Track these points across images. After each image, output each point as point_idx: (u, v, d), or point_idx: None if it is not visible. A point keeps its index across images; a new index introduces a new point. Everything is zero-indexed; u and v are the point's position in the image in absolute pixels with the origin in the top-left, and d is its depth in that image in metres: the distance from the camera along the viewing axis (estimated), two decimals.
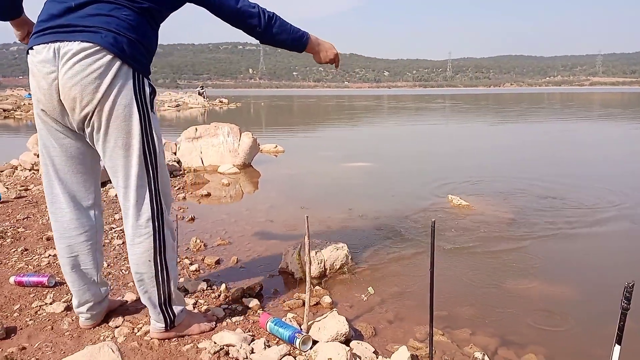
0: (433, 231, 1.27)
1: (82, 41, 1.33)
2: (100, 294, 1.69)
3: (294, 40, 1.78)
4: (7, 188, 3.87)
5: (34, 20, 1.50)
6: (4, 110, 15.87)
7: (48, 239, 2.67)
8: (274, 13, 1.70)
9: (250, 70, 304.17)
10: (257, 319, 1.78)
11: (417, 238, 2.87)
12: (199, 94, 28.77)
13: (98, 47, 1.34)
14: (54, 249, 2.47)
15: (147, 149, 1.47)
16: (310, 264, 1.71)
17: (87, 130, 1.43)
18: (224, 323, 1.76)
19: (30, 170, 4.66)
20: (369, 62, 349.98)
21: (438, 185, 4.39)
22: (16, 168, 4.80)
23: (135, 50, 1.42)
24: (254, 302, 1.92)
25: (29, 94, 16.87)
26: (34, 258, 2.39)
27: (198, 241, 2.69)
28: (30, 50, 1.40)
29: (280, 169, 5.70)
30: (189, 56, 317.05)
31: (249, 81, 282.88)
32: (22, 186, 3.98)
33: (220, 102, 27.26)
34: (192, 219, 3.29)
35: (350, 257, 2.36)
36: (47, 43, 1.35)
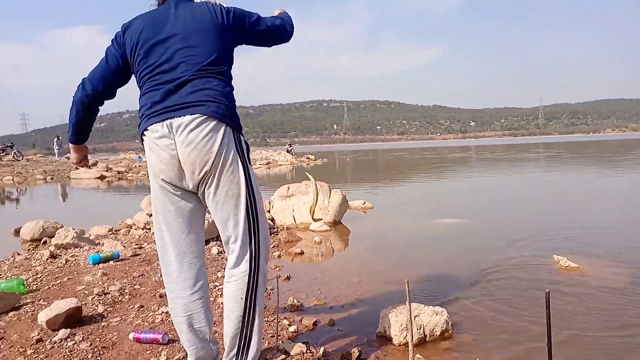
0: (548, 303, 1.22)
1: (191, 114, 1.58)
2: (212, 353, 1.79)
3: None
4: (124, 246, 4.26)
5: None
6: (118, 172, 17.70)
7: (161, 296, 2.88)
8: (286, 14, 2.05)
9: (335, 126, 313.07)
10: None
11: (522, 305, 2.70)
12: (287, 151, 30.08)
13: (205, 117, 1.59)
14: (166, 306, 2.66)
15: (251, 197, 1.68)
16: (412, 331, 1.68)
17: (201, 188, 1.65)
18: None
19: (143, 229, 5.11)
20: (453, 113, 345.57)
21: (540, 242, 4.14)
22: (131, 227, 5.29)
23: (231, 112, 1.68)
24: None
25: (139, 157, 18.72)
26: (149, 315, 2.59)
27: (295, 301, 2.75)
28: (145, 132, 1.65)
29: (370, 226, 5.71)
30: (277, 115, 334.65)
31: (334, 137, 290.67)
32: (137, 245, 4.37)
33: (307, 158, 28.22)
34: (288, 278, 3.38)
35: (450, 322, 2.28)
36: (161, 122, 1.60)
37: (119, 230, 5.21)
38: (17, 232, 5.52)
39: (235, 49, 1.85)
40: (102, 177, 16.48)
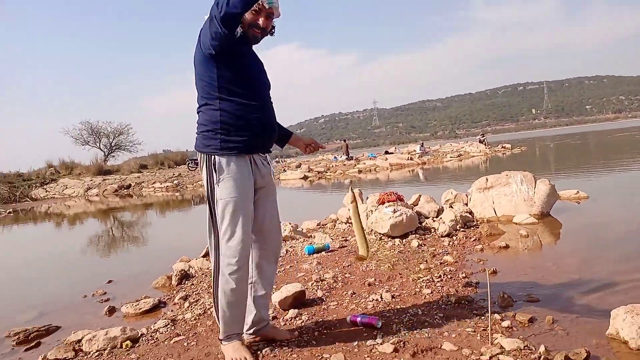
0: None
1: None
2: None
3: None
4: (332, 239, 4.65)
5: None
6: (318, 172, 19.29)
7: (369, 284, 3.08)
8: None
9: (534, 110, 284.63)
10: None
11: None
12: (480, 141, 28.54)
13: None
14: (375, 293, 2.84)
15: (211, 209, 2.05)
16: None
17: None
18: None
19: (346, 223, 5.49)
20: None
21: None
22: (335, 221, 5.74)
23: (204, 140, 2.05)
24: None
25: (335, 157, 20.06)
26: (361, 301, 2.79)
27: (505, 296, 2.64)
28: None
29: (587, 218, 5.08)
30: (466, 105, 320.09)
31: (532, 122, 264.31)
32: (343, 237, 4.72)
33: (502, 147, 26.35)
34: (494, 272, 3.24)
35: None
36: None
37: (325, 225, 5.70)
38: None
39: None
40: (305, 177, 18.17)
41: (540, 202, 5.19)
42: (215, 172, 2.02)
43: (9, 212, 14.33)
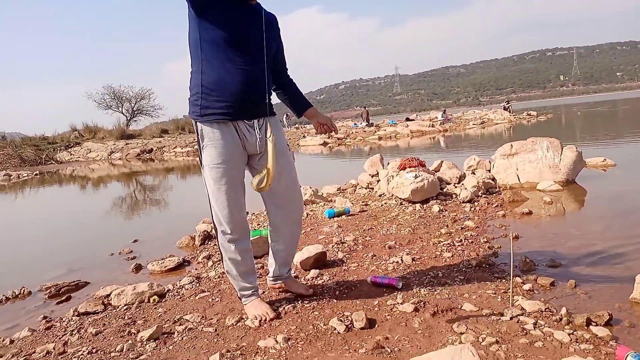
0: None
1: None
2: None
3: None
4: (352, 203, 4.67)
5: None
6: (338, 139, 19.19)
7: (390, 247, 3.10)
8: None
9: (562, 77, 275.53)
10: (611, 351, 1.62)
11: None
12: (504, 108, 27.90)
13: None
14: (396, 256, 2.86)
15: (204, 175, 2.07)
16: None
17: None
18: (571, 349, 1.67)
19: (366, 188, 5.49)
20: None
21: None
22: (355, 187, 5.74)
23: (190, 106, 2.02)
24: (604, 332, 1.75)
25: (355, 124, 19.93)
26: (382, 263, 2.81)
27: (527, 260, 2.63)
28: None
29: (613, 186, 4.97)
30: (491, 72, 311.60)
31: (560, 89, 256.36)
32: (363, 202, 4.74)
33: (528, 115, 25.74)
34: (517, 237, 3.22)
35: None
36: None
37: (345, 190, 5.71)
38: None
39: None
40: (324, 144, 18.11)
41: (566, 169, 5.09)
42: (200, 138, 2.00)
43: (35, 174, 14.71)
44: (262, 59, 1.97)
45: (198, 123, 2.00)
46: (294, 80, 2.29)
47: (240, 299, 2.23)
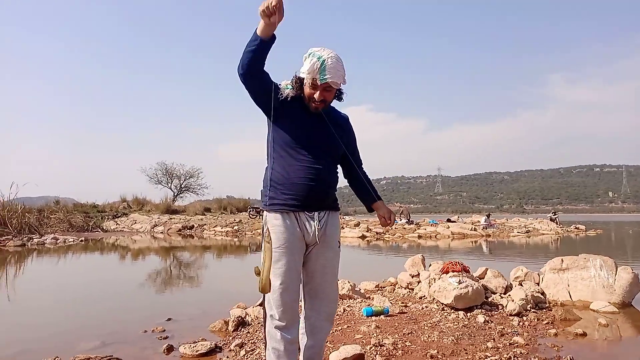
0: None
1: None
2: None
3: (246, 46, 1.97)
4: (391, 303, 4.50)
5: None
6: (377, 233, 19.04)
7: (432, 356, 2.92)
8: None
9: (610, 193, 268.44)
10: None
11: None
12: (551, 219, 27.12)
13: None
14: None
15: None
16: None
17: None
18: None
19: (406, 288, 5.31)
20: None
21: None
22: (394, 285, 5.57)
23: (261, 196, 2.21)
24: None
25: (395, 220, 19.57)
26: None
27: None
28: None
29: None
30: (536, 181, 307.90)
31: (609, 205, 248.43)
32: (403, 303, 4.56)
33: (576, 228, 24.84)
34: None
35: None
36: None
37: (384, 287, 5.54)
38: None
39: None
40: (362, 237, 17.98)
41: (622, 290, 4.77)
42: (264, 224, 2.17)
43: (81, 240, 15.20)
44: (328, 157, 2.20)
45: (264, 211, 2.18)
46: (367, 174, 2.45)
47: None
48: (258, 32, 1.93)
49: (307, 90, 2.13)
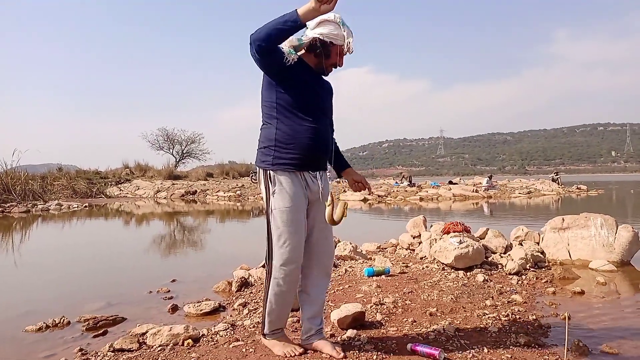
0: None
1: None
2: None
3: (278, 23, 1.94)
4: (392, 263, 4.56)
5: None
6: (379, 196, 19.12)
7: (431, 314, 2.97)
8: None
9: (613, 153, 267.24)
10: None
11: None
12: (553, 180, 27.14)
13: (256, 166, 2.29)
14: (438, 324, 2.73)
15: (268, 217, 2.20)
16: None
17: None
18: None
19: (407, 249, 5.37)
20: None
21: None
22: (396, 246, 5.63)
23: (261, 155, 2.23)
24: None
25: (397, 182, 19.82)
26: (422, 330, 2.69)
27: (580, 344, 2.45)
28: None
29: None
30: (539, 142, 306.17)
31: (611, 165, 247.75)
32: (404, 263, 4.62)
33: (577, 188, 24.88)
34: (569, 318, 3.02)
35: None
36: None
37: (385, 248, 5.60)
38: None
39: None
40: (364, 200, 18.06)
41: (621, 249, 4.82)
42: (271, 184, 2.20)
43: (85, 206, 15.33)
44: (326, 119, 2.32)
45: (269, 171, 2.20)
46: (336, 140, 2.51)
47: (265, 335, 2.33)
48: (300, 14, 1.92)
49: (333, 57, 2.22)
